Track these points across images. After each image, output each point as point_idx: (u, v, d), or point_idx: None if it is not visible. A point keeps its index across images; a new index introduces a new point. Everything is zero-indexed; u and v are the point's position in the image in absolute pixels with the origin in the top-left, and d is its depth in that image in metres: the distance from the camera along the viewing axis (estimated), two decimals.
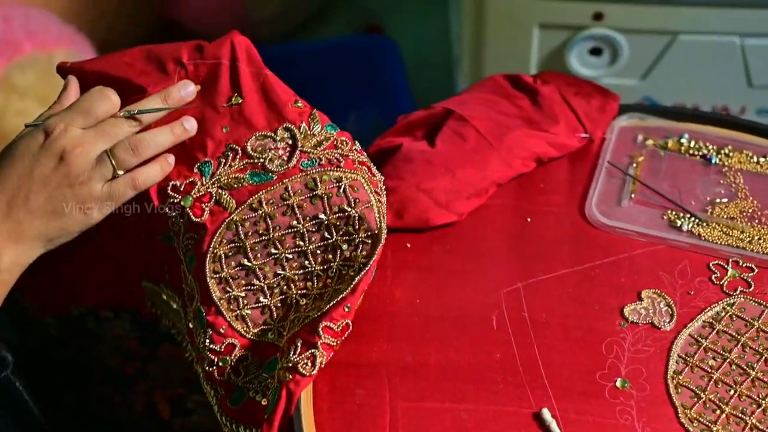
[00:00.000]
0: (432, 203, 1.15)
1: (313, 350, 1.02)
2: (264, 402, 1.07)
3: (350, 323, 1.04)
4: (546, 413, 1.00)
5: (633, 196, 1.21)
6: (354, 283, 1.04)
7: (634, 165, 1.25)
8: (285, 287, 1.08)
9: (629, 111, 1.31)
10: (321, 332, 1.02)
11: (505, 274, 1.12)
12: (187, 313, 1.13)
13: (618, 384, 1.03)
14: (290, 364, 1.02)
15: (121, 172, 1.03)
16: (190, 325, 1.12)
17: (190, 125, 1.07)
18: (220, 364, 1.09)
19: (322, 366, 1.02)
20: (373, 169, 1.11)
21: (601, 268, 1.13)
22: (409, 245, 1.15)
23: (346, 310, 1.04)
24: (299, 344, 1.03)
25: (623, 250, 1.16)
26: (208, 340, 1.08)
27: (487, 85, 1.29)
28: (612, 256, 1.15)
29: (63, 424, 1.27)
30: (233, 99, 1.09)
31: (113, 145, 1.03)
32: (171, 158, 1.06)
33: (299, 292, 1.08)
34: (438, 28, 2.35)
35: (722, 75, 1.74)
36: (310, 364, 1.01)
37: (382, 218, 1.07)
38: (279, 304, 1.09)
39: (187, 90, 1.08)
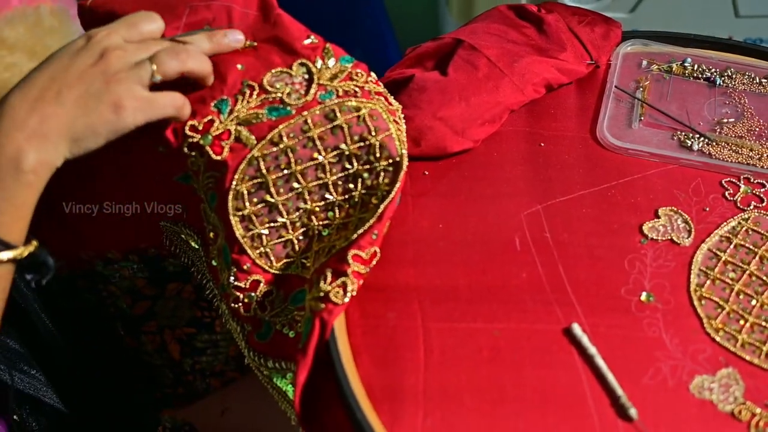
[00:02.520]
0: (449, 131, 1.16)
1: (343, 278, 1.03)
2: (292, 334, 1.08)
3: (378, 250, 1.05)
4: (576, 328, 1.02)
5: (642, 118, 1.23)
6: (380, 210, 1.05)
7: (641, 89, 1.26)
8: (306, 220, 1.09)
9: (632, 38, 1.33)
10: (350, 260, 1.03)
11: (524, 197, 1.14)
12: (210, 251, 1.14)
13: (643, 298, 1.05)
14: (322, 294, 1.03)
15: (159, 77, 1.01)
16: (214, 263, 1.13)
17: (234, 37, 1.08)
18: (246, 300, 1.10)
19: (354, 294, 1.03)
20: (390, 98, 1.12)
21: (616, 189, 1.15)
22: (426, 173, 1.16)
23: (374, 237, 1.05)
24: (329, 274, 1.04)
25: (637, 170, 1.17)
26: (232, 278, 1.09)
27: (493, 16, 1.30)
28: (626, 176, 1.16)
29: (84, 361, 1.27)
30: (247, 42, 1.10)
31: (156, 52, 1.02)
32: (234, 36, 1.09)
33: (321, 223, 1.09)
34: None
35: (709, 6, 1.76)
36: (341, 292, 1.02)
37: (402, 145, 1.08)
38: (301, 237, 1.10)
39: (235, 37, 1.08)
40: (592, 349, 1.00)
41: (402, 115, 1.11)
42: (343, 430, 0.98)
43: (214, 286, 1.16)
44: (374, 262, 1.05)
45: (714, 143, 1.19)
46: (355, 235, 1.05)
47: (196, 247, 1.18)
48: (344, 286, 1.03)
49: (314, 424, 1.00)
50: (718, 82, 1.27)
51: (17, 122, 0.97)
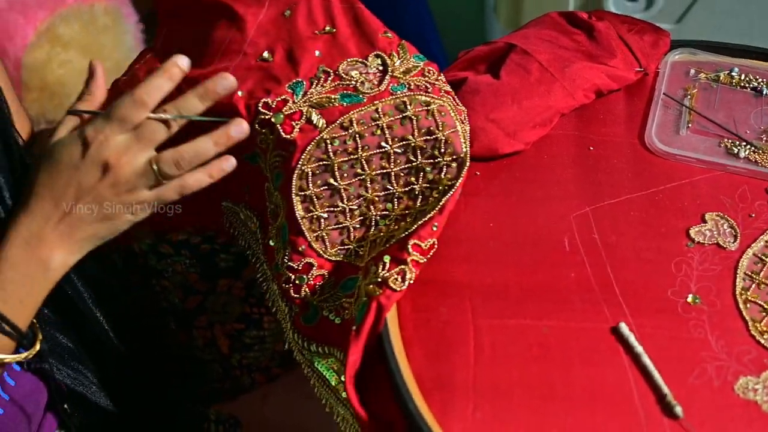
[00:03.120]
0: (501, 133, 1.19)
1: (402, 266, 1.06)
2: (338, 321, 1.11)
3: (436, 243, 1.08)
4: (624, 327, 1.04)
5: (690, 125, 1.25)
6: (442, 203, 1.08)
7: (689, 97, 1.28)
8: (365, 209, 1.13)
9: (680, 47, 1.35)
10: (410, 249, 1.06)
11: (573, 199, 1.16)
12: (268, 231, 1.17)
13: (689, 300, 1.07)
14: (380, 279, 1.06)
15: (172, 171, 1.03)
16: (271, 243, 1.16)
17: (224, 85, 1.04)
18: (297, 282, 1.13)
19: (411, 282, 1.06)
20: (457, 100, 1.15)
21: (664, 193, 1.17)
22: (478, 173, 1.19)
23: (434, 229, 1.08)
24: (387, 261, 1.07)
25: (684, 176, 1.19)
26: (287, 258, 1.12)
27: (545, 22, 1.32)
28: (674, 181, 1.19)
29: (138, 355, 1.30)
30: (326, 28, 1.13)
31: (157, 158, 1.03)
32: (228, 163, 1.04)
33: (378, 213, 1.13)
34: None
35: (755, 20, 1.78)
36: (400, 279, 1.05)
37: (467, 143, 1.11)
38: (357, 225, 1.13)
39: (225, 84, 1.04)
40: (639, 348, 1.02)
41: (467, 117, 1.14)
42: (394, 419, 1.01)
43: (267, 268, 1.19)
44: (431, 254, 1.08)
45: (760, 151, 1.21)
46: (415, 226, 1.08)
47: (254, 229, 1.21)
48: (403, 273, 1.06)
49: (363, 410, 1.03)
50: (764, 92, 1.29)
51: (47, 228, 1.04)
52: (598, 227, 1.13)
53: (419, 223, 1.08)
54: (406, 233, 1.08)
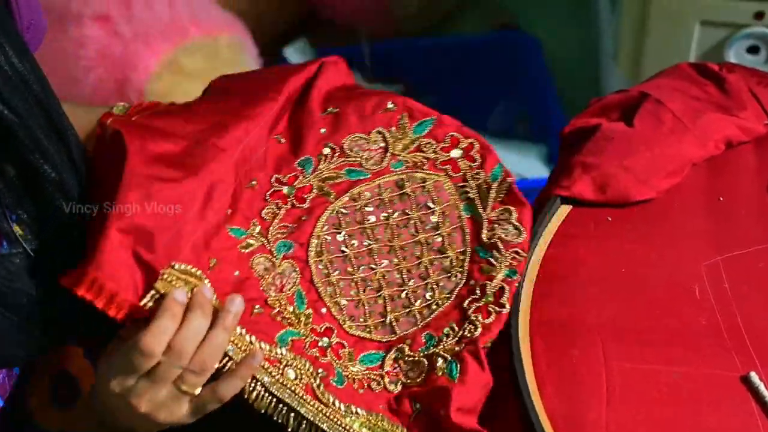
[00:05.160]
0: (633, 179, 1.21)
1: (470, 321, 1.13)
2: (361, 391, 1.11)
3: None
4: (754, 376, 1.05)
5: None
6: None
7: None
8: (378, 282, 1.17)
9: None
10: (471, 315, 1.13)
11: (704, 248, 1.18)
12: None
13: None
14: (457, 338, 1.12)
15: (198, 391, 1.01)
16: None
17: (237, 310, 1.02)
18: (320, 344, 1.13)
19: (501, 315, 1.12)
20: (460, 162, 1.21)
21: None
22: (610, 218, 1.21)
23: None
24: (452, 324, 1.13)
25: None
26: (309, 322, 1.14)
27: (675, 73, 1.35)
28: None
29: None
30: (330, 109, 1.22)
31: (179, 378, 1.00)
32: (257, 358, 1.02)
33: (392, 290, 1.16)
34: (578, 24, 2.40)
35: None
36: (481, 317, 1.12)
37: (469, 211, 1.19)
38: (372, 301, 1.16)
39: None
40: None
41: (479, 168, 1.21)
42: None
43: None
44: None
45: None
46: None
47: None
48: (474, 327, 1.12)
49: None
50: None
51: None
52: (728, 277, 1.15)
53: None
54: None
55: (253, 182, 1.16)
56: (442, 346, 1.11)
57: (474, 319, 1.11)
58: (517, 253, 1.14)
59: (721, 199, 1.24)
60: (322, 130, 1.21)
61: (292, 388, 1.05)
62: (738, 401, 1.05)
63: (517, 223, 1.16)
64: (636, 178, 1.21)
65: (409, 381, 1.11)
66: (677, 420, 1.03)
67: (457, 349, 1.10)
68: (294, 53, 2.23)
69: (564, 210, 1.21)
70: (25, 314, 1.04)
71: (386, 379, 1.12)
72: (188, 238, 1.04)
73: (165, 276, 1.00)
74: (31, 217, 1.05)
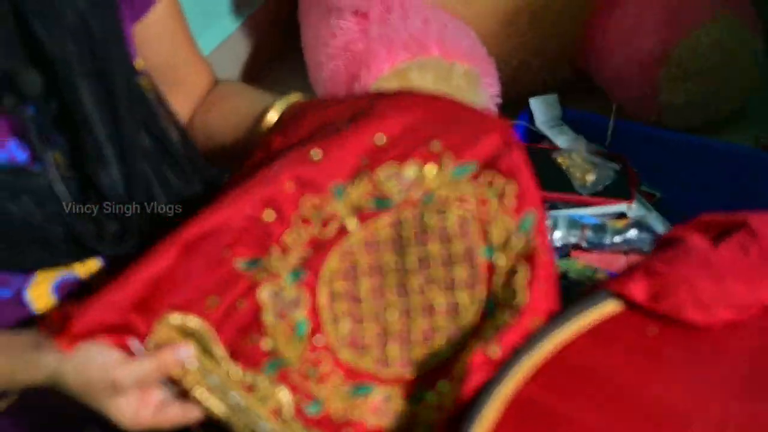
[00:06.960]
0: (693, 300, 1.14)
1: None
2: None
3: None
4: None
5: None
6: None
7: None
8: (383, 318, 1.16)
9: None
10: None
11: (737, 391, 1.10)
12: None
13: None
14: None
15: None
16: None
17: (178, 355, 1.11)
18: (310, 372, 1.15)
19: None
20: (492, 199, 1.17)
21: None
22: (654, 331, 1.15)
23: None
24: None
25: None
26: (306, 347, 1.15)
27: None
28: None
29: None
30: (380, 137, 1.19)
31: None
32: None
33: (399, 326, 1.16)
34: None
35: None
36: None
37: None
38: (376, 336, 1.16)
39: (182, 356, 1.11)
40: None
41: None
42: None
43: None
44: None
45: None
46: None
47: None
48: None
49: None
50: None
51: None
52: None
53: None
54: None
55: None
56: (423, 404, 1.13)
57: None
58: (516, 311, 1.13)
59: None
60: (364, 161, 1.20)
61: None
62: None
63: (522, 285, 1.14)
64: (696, 300, 1.14)
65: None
66: None
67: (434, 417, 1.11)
68: (538, 104, 2.22)
69: (608, 305, 1.16)
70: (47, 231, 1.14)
71: (368, 414, 1.13)
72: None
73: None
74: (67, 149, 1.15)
